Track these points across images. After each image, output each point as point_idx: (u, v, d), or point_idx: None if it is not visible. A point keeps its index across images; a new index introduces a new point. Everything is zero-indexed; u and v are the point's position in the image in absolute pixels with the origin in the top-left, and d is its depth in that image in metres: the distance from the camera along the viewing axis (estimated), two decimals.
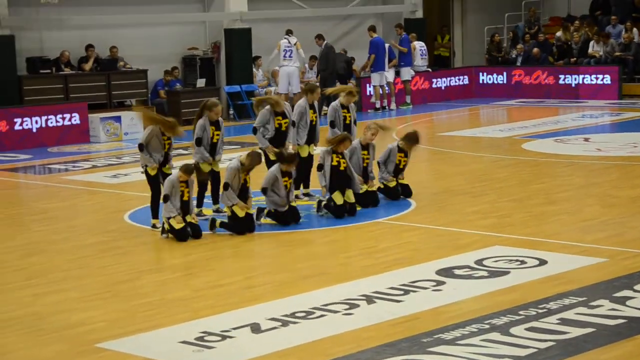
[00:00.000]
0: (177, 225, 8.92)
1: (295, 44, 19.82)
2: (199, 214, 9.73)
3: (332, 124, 10.57)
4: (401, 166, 10.58)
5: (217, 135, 9.77)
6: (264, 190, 9.40)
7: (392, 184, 10.53)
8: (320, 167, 9.76)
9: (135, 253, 8.73)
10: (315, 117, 10.57)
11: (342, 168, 9.74)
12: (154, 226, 9.43)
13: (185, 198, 8.98)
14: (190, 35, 20.27)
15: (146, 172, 9.50)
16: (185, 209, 8.99)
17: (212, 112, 9.68)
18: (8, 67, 17.25)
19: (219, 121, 9.83)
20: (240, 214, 9.11)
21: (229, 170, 9.14)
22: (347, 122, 10.63)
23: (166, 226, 9.01)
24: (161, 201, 9.12)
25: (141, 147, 9.45)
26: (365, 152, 10.23)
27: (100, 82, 18.43)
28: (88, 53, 18.47)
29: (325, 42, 19.95)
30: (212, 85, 19.87)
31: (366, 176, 10.24)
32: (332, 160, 9.69)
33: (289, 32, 19.99)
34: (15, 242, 9.39)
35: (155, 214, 9.50)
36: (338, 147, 9.72)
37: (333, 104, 10.81)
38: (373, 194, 10.23)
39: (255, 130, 10.25)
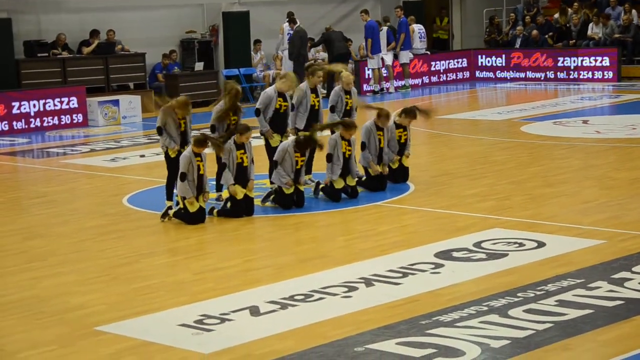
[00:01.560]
0: (191, 207, 8.91)
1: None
2: (218, 199, 9.69)
3: (333, 109, 10.49)
4: (402, 141, 10.54)
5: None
6: (275, 164, 9.40)
7: (395, 165, 10.48)
8: (330, 157, 9.69)
9: (134, 236, 8.74)
10: (318, 101, 10.30)
11: (347, 156, 9.73)
12: (169, 208, 9.30)
13: (202, 172, 8.95)
14: (188, 19, 20.21)
15: (166, 154, 9.42)
16: (200, 184, 8.96)
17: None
18: (5, 51, 17.21)
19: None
20: (239, 195, 9.10)
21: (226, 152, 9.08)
22: (348, 107, 10.53)
23: (180, 205, 8.99)
24: (177, 180, 9.04)
25: (160, 130, 9.39)
26: (381, 133, 10.21)
27: (98, 65, 18.38)
28: (92, 39, 18.41)
29: (297, 25, 19.61)
30: (210, 69, 19.82)
31: (381, 157, 10.23)
32: (342, 147, 9.67)
33: (290, 15, 19.94)
34: (15, 226, 9.40)
35: (169, 195, 9.42)
36: (346, 134, 9.68)
37: (336, 88, 10.73)
38: (383, 178, 10.19)
39: (258, 112, 10.09)
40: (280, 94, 10.04)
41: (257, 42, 20.46)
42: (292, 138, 9.57)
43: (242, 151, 9.15)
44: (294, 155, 9.35)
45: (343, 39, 20.55)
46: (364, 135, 10.07)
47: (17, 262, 7.95)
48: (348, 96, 10.54)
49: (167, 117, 9.36)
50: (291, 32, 19.61)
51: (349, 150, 9.73)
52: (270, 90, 10.13)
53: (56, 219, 9.64)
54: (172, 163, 9.34)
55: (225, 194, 9.51)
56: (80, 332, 6.11)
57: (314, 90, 10.29)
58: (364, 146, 10.01)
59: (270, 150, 9.94)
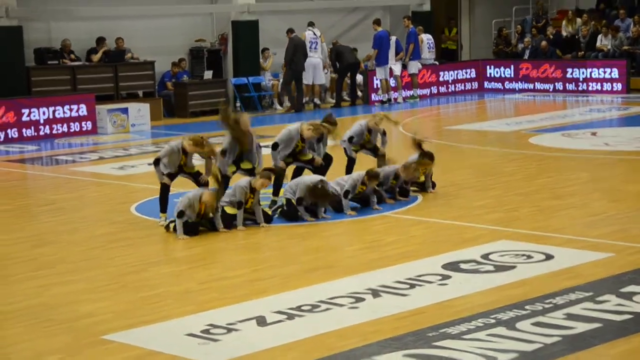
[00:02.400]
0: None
1: (320, 36, 19.87)
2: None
3: (351, 139, 10.51)
4: (421, 179, 10.46)
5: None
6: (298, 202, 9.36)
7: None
8: (347, 194, 9.57)
9: (142, 244, 8.75)
10: (303, 146, 9.93)
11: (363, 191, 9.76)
12: (172, 221, 9.23)
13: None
14: (197, 27, 20.28)
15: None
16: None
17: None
18: (16, 58, 17.29)
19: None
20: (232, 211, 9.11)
21: (238, 188, 9.06)
22: (368, 146, 10.60)
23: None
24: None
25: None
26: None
27: (108, 73, 18.45)
28: (99, 46, 18.48)
29: (294, 34, 19.69)
30: (219, 77, 19.88)
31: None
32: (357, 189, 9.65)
33: (311, 24, 20.02)
34: (24, 233, 9.43)
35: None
36: (370, 183, 9.62)
37: (363, 122, 10.70)
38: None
39: (275, 146, 9.93)
40: (302, 137, 9.94)
41: (265, 50, 20.54)
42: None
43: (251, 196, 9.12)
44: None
45: (352, 49, 20.62)
46: (349, 185, 9.63)
47: (25, 270, 7.97)
48: (369, 135, 10.65)
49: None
50: (314, 39, 19.69)
51: (362, 189, 9.73)
52: (294, 131, 9.93)
53: (65, 227, 9.66)
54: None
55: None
56: (87, 340, 6.11)
57: (302, 139, 9.98)
58: (346, 194, 9.61)
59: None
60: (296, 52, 19.23)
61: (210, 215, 8.98)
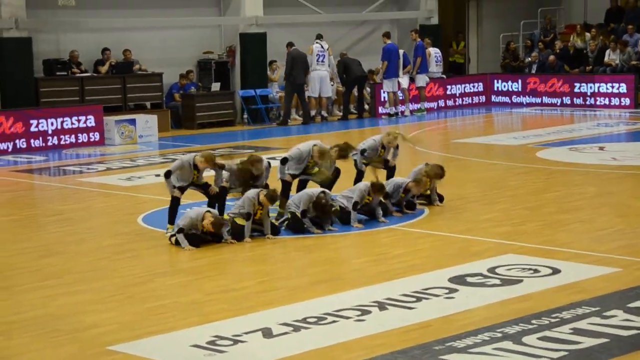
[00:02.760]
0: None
1: (327, 49, 19.92)
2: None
3: (363, 152, 10.54)
4: (427, 192, 10.47)
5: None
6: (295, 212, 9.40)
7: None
8: (356, 205, 9.59)
9: (148, 255, 8.76)
10: (314, 163, 9.94)
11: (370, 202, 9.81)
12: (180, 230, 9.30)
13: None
14: (205, 39, 20.34)
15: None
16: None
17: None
18: (25, 69, 17.36)
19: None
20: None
21: (247, 199, 9.07)
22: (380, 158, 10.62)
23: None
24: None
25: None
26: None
27: (116, 84, 18.51)
28: (105, 56, 18.57)
29: (294, 47, 19.76)
30: (226, 89, 19.92)
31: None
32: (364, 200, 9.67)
33: (319, 37, 20.08)
34: (31, 243, 9.44)
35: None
36: (375, 195, 9.65)
37: (377, 138, 10.75)
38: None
39: (284, 161, 9.94)
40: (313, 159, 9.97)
41: (273, 62, 20.58)
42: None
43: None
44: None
45: (359, 63, 20.64)
46: (358, 196, 9.62)
47: (32, 280, 7.98)
48: (383, 151, 10.69)
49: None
50: (321, 52, 19.73)
51: (369, 200, 9.74)
52: (305, 152, 9.90)
53: (72, 237, 9.68)
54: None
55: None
56: (93, 351, 6.12)
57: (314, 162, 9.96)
58: (355, 206, 9.61)
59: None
60: (294, 66, 19.26)
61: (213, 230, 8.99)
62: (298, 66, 19.29)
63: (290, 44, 19.96)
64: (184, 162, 9.35)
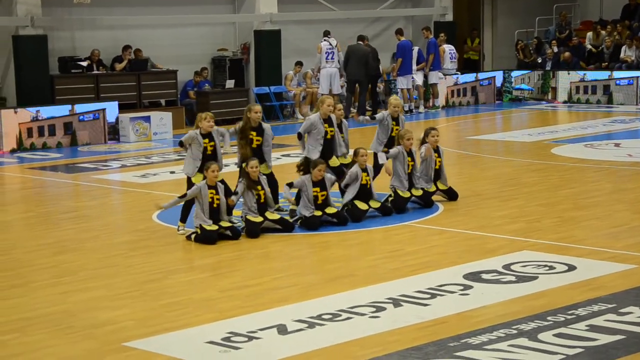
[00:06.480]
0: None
1: (336, 45, 19.91)
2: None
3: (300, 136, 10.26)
4: (437, 167, 10.51)
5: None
6: (290, 185, 9.52)
7: (432, 189, 10.46)
8: (347, 186, 9.72)
9: (163, 252, 8.78)
10: (332, 130, 9.95)
11: (368, 186, 9.80)
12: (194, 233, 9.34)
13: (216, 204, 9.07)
14: (220, 37, 20.36)
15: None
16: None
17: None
18: (41, 67, 17.44)
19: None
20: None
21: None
22: (393, 134, 10.53)
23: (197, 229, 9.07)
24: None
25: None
26: (410, 159, 10.20)
27: (131, 82, 18.56)
28: (124, 54, 18.61)
29: (359, 42, 19.83)
30: (241, 87, 19.94)
31: (411, 183, 10.20)
32: (362, 179, 9.70)
33: (327, 34, 20.05)
34: (46, 240, 9.49)
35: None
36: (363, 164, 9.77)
37: (385, 113, 10.80)
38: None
39: (300, 136, 10.07)
40: (326, 120, 9.96)
41: (299, 63, 20.52)
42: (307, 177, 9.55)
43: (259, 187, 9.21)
44: (311, 189, 9.41)
45: (375, 59, 20.48)
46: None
47: (47, 277, 8.01)
48: (394, 122, 10.64)
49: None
50: (329, 49, 19.70)
51: (368, 180, 9.78)
52: (314, 117, 9.97)
53: (87, 234, 9.72)
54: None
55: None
56: (108, 347, 6.14)
57: (326, 120, 9.97)
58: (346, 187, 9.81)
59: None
60: (350, 61, 19.43)
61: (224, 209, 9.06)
62: (359, 61, 19.32)
63: (361, 37, 19.99)
64: (191, 133, 9.44)
